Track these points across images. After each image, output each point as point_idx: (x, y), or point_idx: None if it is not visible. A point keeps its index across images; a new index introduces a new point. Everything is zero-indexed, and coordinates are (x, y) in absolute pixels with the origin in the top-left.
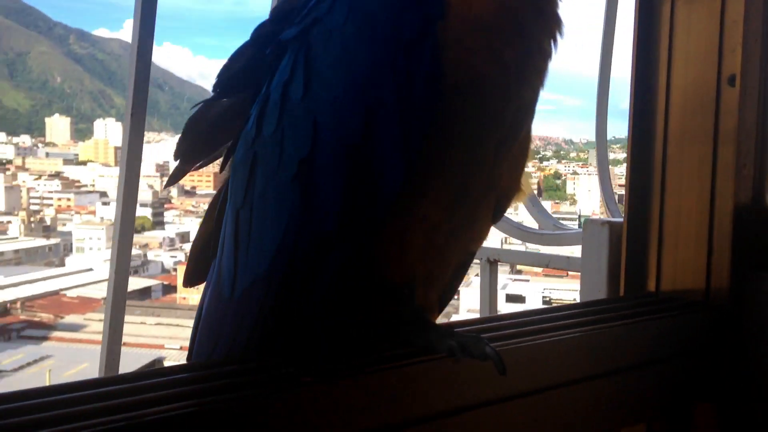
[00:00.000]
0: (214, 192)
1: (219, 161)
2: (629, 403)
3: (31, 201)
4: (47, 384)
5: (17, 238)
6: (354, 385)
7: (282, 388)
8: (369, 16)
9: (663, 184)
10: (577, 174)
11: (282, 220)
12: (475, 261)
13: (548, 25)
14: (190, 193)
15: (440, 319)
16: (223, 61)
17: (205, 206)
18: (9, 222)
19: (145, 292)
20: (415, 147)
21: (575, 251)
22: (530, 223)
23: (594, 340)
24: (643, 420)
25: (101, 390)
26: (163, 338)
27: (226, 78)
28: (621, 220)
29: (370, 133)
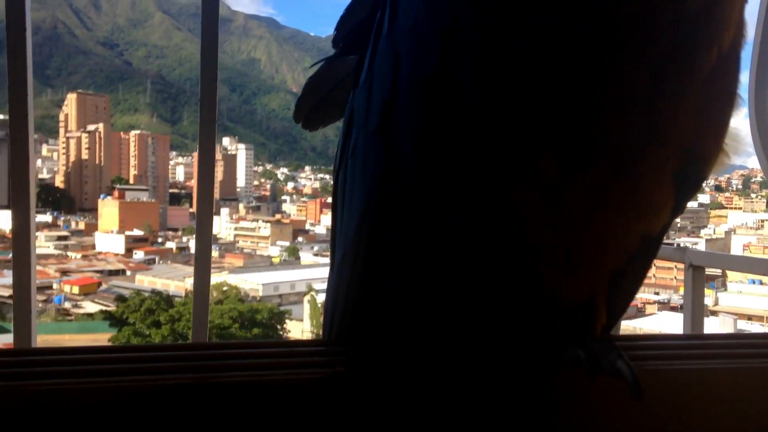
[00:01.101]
0: None
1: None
2: None
3: None
4: None
5: None
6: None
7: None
8: None
9: None
10: None
11: (367, 177)
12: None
13: None
14: None
15: None
16: None
17: None
18: None
19: None
20: (498, 71)
21: None
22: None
23: None
24: None
25: None
26: None
27: (346, 31)
28: None
29: (448, 59)
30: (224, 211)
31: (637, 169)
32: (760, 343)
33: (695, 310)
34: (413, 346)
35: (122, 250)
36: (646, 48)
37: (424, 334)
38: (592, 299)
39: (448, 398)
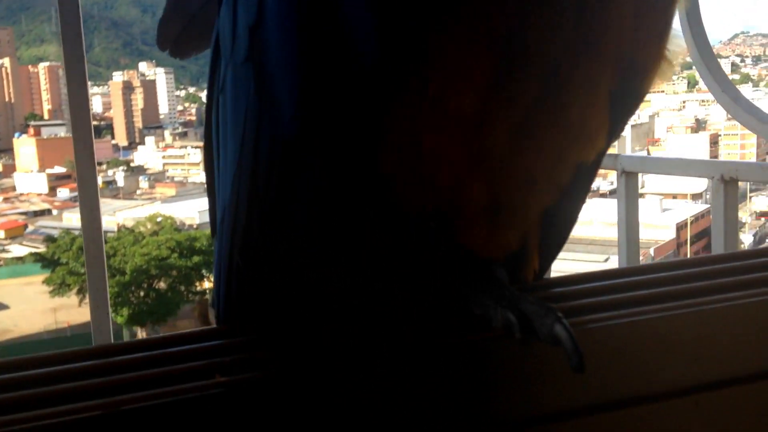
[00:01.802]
0: None
1: None
2: None
3: None
4: None
5: None
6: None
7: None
8: None
9: None
10: None
11: (239, 122)
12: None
13: None
14: None
15: None
16: None
17: None
18: None
19: None
20: None
21: None
22: None
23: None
24: None
25: None
26: None
27: None
28: None
29: None
30: (149, 140)
31: (569, 87)
32: (701, 272)
33: (629, 218)
34: (314, 334)
35: (45, 190)
36: None
37: (324, 314)
38: (523, 247)
39: (367, 383)
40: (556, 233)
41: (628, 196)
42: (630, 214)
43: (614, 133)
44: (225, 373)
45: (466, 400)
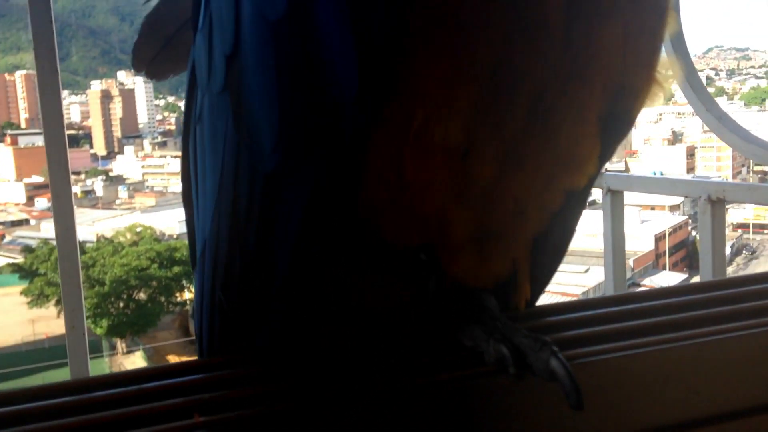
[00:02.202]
0: None
1: None
2: None
3: None
4: None
5: None
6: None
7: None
8: None
9: None
10: None
11: (217, 154)
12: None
13: None
14: None
15: None
16: None
17: None
18: None
19: None
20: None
21: None
22: None
23: None
24: None
25: None
26: None
27: None
28: None
29: None
30: (128, 149)
31: (557, 114)
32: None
33: (615, 235)
34: (303, 368)
35: (23, 199)
36: None
37: (311, 350)
38: (513, 275)
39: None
40: (547, 260)
41: (614, 214)
42: (615, 231)
43: (604, 157)
44: (204, 413)
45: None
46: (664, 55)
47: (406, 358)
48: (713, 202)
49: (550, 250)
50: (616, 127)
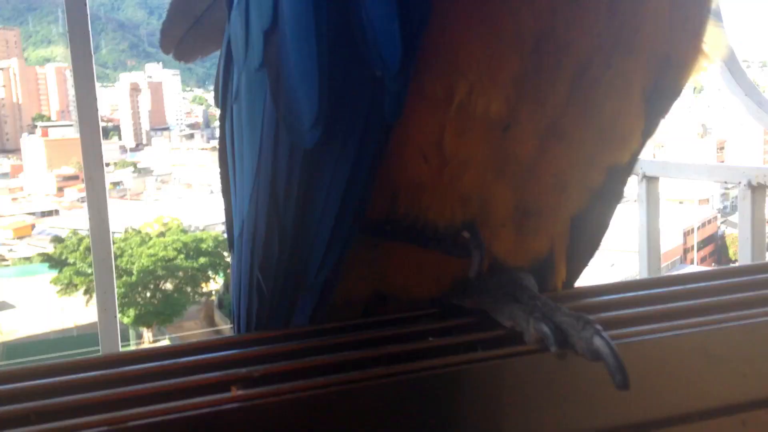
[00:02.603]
0: None
1: None
2: None
3: None
4: None
5: None
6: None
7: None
8: None
9: None
10: None
11: (256, 132)
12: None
13: None
14: None
15: None
16: None
17: None
18: None
19: None
20: None
21: None
22: None
23: None
24: None
25: None
26: None
27: None
28: None
29: None
30: (156, 141)
31: (601, 87)
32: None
33: (650, 224)
34: None
35: (53, 190)
36: None
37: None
38: (550, 254)
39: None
40: (586, 240)
41: (649, 201)
42: (651, 220)
43: (649, 132)
44: (241, 387)
45: (500, 419)
46: (715, 25)
47: (444, 336)
48: (753, 187)
49: (590, 231)
50: (661, 100)
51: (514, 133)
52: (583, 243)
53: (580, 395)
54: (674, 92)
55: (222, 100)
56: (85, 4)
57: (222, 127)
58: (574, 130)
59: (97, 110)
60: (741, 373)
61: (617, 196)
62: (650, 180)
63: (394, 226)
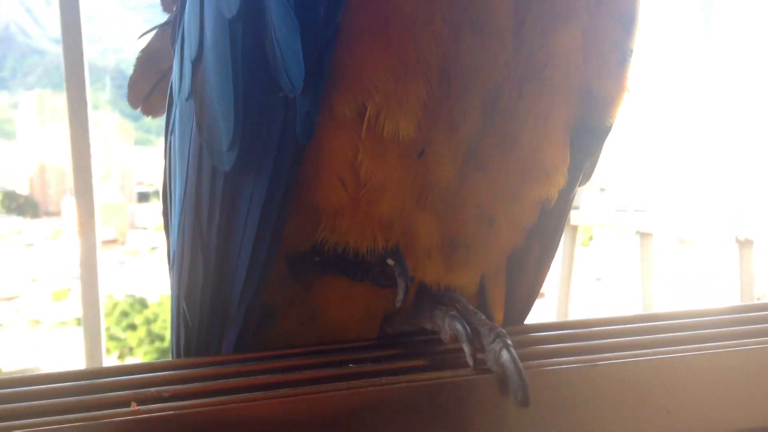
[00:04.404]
0: None
1: None
2: None
3: None
4: None
5: None
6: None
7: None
8: None
9: None
10: None
11: (184, 159)
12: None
13: None
14: None
15: None
16: None
17: None
18: None
19: None
20: None
21: None
22: None
23: None
24: None
25: None
26: None
27: None
28: None
29: None
30: None
31: (515, 118)
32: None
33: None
34: None
35: None
36: None
37: None
38: (482, 295)
39: None
40: (524, 283)
41: (643, 255)
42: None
43: (579, 170)
44: (142, 404)
45: None
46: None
47: (365, 363)
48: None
49: (528, 273)
50: (587, 138)
51: (430, 158)
52: (521, 286)
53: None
54: (602, 130)
55: (165, 141)
56: (82, 53)
57: (164, 167)
58: (493, 160)
59: (90, 166)
60: (665, 410)
61: (555, 237)
62: (644, 236)
63: (322, 257)
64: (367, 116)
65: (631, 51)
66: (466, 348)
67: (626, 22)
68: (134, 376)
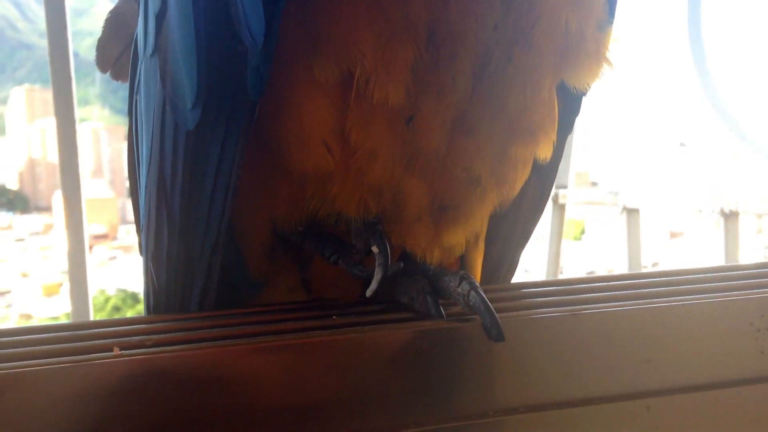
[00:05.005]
0: None
1: None
2: None
3: None
4: None
5: None
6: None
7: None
8: None
9: None
10: None
11: (149, 117)
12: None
13: None
14: None
15: None
16: None
17: None
18: None
19: None
20: None
21: None
22: None
23: None
24: None
25: None
26: None
27: None
28: None
29: None
30: None
31: (504, 80)
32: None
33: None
34: None
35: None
36: None
37: None
38: (466, 251)
39: None
40: (508, 245)
41: (630, 234)
42: (633, 253)
43: (565, 129)
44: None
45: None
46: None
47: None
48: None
49: (514, 235)
50: (571, 97)
51: (419, 124)
52: (505, 247)
53: (474, 376)
54: (581, 90)
55: (129, 98)
56: (68, 48)
57: (129, 125)
58: (482, 124)
59: (77, 161)
60: (645, 359)
61: (543, 197)
62: (630, 212)
63: (306, 227)
64: (355, 82)
65: (611, 17)
66: (433, 312)
67: None
68: (117, 328)
